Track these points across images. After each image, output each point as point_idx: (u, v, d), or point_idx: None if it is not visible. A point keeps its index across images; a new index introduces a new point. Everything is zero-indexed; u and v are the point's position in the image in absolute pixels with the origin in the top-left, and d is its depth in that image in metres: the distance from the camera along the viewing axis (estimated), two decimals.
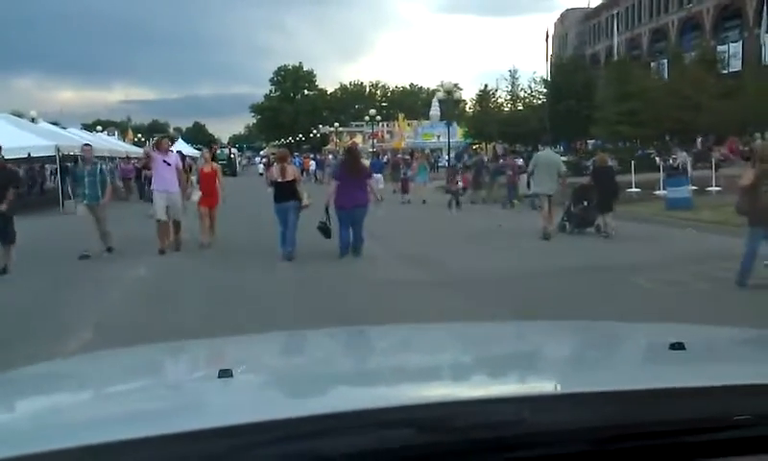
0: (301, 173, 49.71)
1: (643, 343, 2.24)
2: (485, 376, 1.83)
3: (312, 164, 48.98)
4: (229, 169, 56.28)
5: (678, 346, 1.70)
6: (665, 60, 59.23)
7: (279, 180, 12.59)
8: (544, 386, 1.68)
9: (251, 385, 1.79)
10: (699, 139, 33.18)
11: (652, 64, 52.55)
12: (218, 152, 62.08)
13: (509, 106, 49.14)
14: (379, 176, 26.77)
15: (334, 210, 12.37)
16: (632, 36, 74.37)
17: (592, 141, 47.16)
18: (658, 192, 21.65)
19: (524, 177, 21.41)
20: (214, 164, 15.31)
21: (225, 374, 1.61)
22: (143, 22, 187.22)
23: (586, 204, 15.36)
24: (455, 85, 35.58)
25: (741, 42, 56.28)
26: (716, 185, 21.68)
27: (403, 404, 1.40)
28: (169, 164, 13.59)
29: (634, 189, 22.49)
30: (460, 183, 24.75)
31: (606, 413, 1.34)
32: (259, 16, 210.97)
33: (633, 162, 24.99)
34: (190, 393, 1.77)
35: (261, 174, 56.16)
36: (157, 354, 2.44)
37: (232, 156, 63.79)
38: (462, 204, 23.62)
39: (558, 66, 48.29)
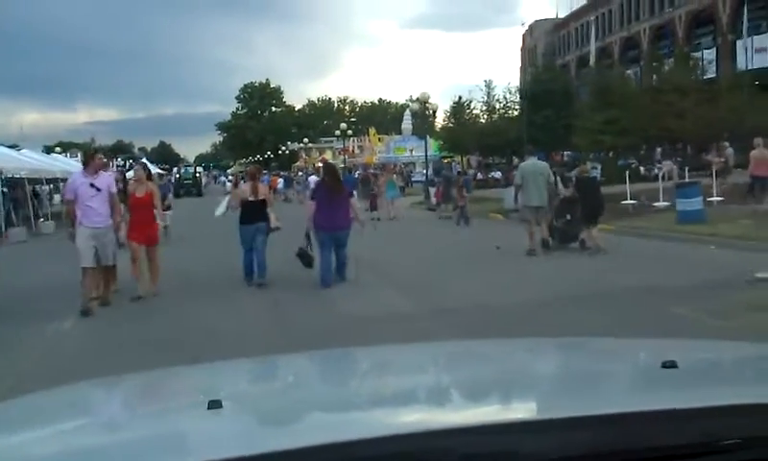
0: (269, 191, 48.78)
1: (635, 361, 2.23)
2: (472, 402, 1.77)
3: (280, 182, 47.08)
4: (195, 189, 54.87)
5: (670, 364, 1.70)
6: (638, 69, 58.62)
7: (251, 198, 11.53)
8: (533, 411, 1.61)
9: (241, 416, 1.75)
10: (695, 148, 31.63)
11: (626, 73, 51.24)
12: (183, 171, 60.53)
13: (485, 117, 47.52)
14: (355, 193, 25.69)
15: (314, 235, 11.36)
16: (603, 45, 73.69)
17: (568, 153, 46.00)
18: (659, 204, 19.99)
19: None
20: (150, 185, 11.53)
21: (214, 405, 1.60)
22: (107, 42, 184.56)
23: (569, 217, 14.44)
24: (428, 98, 33.66)
25: (715, 49, 55.71)
26: (717, 195, 20.11)
27: (402, 433, 1.38)
28: (99, 189, 10.13)
29: (629, 201, 20.81)
30: (434, 199, 23.05)
31: (594, 438, 1.33)
32: (226, 34, 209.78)
33: (627, 172, 23.30)
34: (179, 426, 1.73)
35: (228, 193, 54.60)
36: (146, 383, 2.43)
37: (198, 175, 61.88)
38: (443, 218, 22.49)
39: (535, 76, 46.80)
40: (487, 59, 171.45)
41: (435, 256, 14.62)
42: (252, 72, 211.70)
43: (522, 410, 1.66)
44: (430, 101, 34.19)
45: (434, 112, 35.72)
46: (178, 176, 59.79)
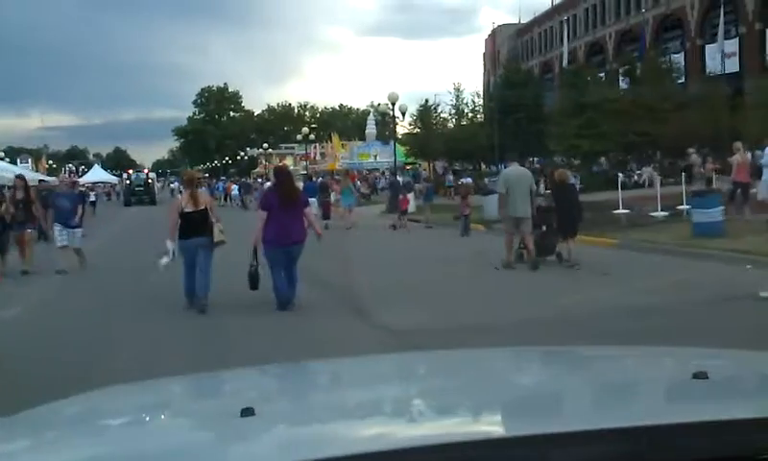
0: (225, 198, 46.14)
1: (665, 372, 2.20)
2: (505, 412, 1.75)
3: (234, 188, 44.71)
4: (148, 196, 51.11)
5: (701, 375, 1.68)
6: (603, 73, 57.58)
7: (189, 209, 10.05)
8: (565, 423, 1.56)
9: (274, 425, 1.75)
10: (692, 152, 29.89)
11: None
12: (134, 177, 56.60)
13: (453, 121, 45.65)
14: (313, 200, 24.98)
15: (263, 251, 9.99)
16: (568, 50, 72.89)
17: (537, 159, 44.49)
18: (657, 214, 18.24)
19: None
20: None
21: (247, 412, 1.59)
22: (62, 47, 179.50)
23: (544, 228, 13.47)
24: (396, 98, 31.61)
25: (683, 53, 54.93)
26: None
27: (436, 444, 1.38)
28: None
29: (622, 211, 19.02)
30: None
31: (627, 450, 1.32)
32: (185, 40, 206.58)
33: (628, 178, 21.49)
34: (212, 433, 1.73)
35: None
36: (180, 389, 2.44)
37: (150, 181, 57.06)
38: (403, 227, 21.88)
39: (505, 78, 45.02)
40: (446, 66, 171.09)
41: (392, 270, 13.28)
42: (210, 78, 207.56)
43: (553, 422, 1.58)
44: (399, 102, 31.92)
45: (403, 114, 33.56)
46: (128, 182, 56.59)
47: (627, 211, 19.36)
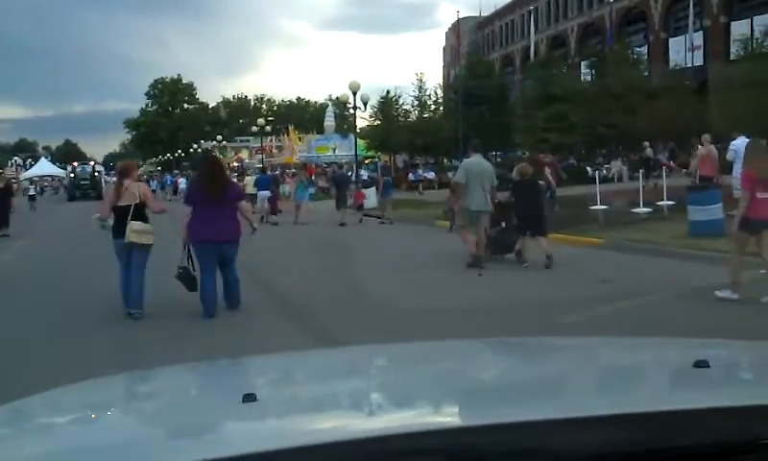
0: (174, 192, 43.83)
1: (666, 360, 2.20)
2: (507, 399, 1.74)
3: (182, 182, 42.64)
4: (94, 191, 46.86)
5: (702, 363, 1.70)
6: (565, 67, 56.73)
7: (121, 203, 8.96)
8: (567, 409, 1.56)
9: (275, 410, 1.76)
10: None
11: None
12: (79, 170, 52.89)
13: (416, 113, 43.94)
14: (266, 192, 24.88)
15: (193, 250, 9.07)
16: (528, 44, 72.08)
17: (499, 152, 43.21)
18: (639, 210, 16.83)
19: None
20: None
21: (248, 398, 1.61)
22: (11, 36, 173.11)
23: (504, 225, 12.85)
24: (358, 87, 29.79)
25: (647, 47, 54.30)
26: (668, 199, 17.19)
27: (431, 429, 1.41)
28: None
29: (600, 207, 17.59)
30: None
31: (629, 436, 1.35)
32: (139, 31, 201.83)
33: (597, 173, 20.13)
34: (214, 419, 1.73)
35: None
36: (181, 376, 2.44)
37: (96, 174, 53.04)
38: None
39: (469, 69, 43.43)
40: (406, 61, 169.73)
41: (343, 270, 12.18)
42: (165, 70, 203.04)
43: (556, 408, 1.57)
44: (361, 92, 30.06)
45: (365, 104, 31.60)
46: (72, 176, 53.12)
47: (605, 207, 17.95)
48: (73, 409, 2.00)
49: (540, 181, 19.11)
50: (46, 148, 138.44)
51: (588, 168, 29.78)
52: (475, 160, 12.69)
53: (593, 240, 13.32)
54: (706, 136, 17.48)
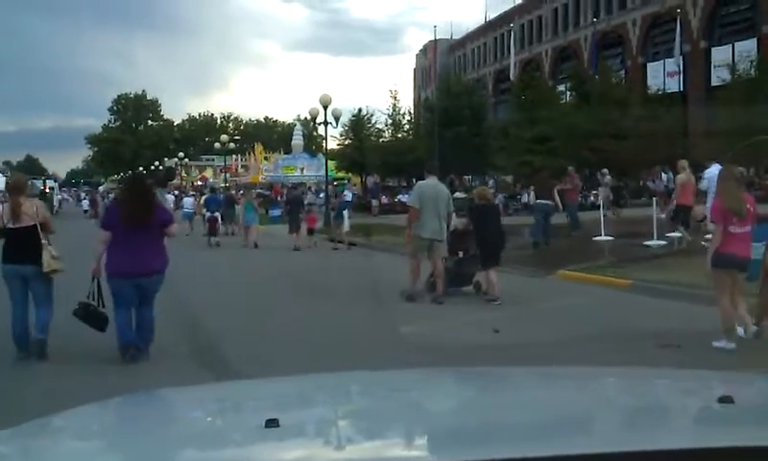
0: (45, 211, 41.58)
1: (689, 395, 2.16)
2: (531, 432, 1.70)
3: None
4: None
5: (726, 399, 1.67)
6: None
7: (11, 225, 7.84)
8: (592, 444, 1.56)
9: (298, 437, 1.74)
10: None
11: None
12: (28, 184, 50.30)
13: (389, 132, 41.95)
14: (217, 215, 24.59)
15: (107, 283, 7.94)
16: (500, 67, 71.25)
17: (468, 176, 41.59)
18: (652, 243, 14.93)
19: None
20: None
21: (272, 423, 1.60)
22: None
23: (461, 254, 11.91)
24: (329, 101, 27.72)
25: (624, 71, 53.19)
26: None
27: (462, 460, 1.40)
28: None
29: (605, 238, 15.68)
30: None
31: None
32: (106, 47, 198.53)
33: (599, 197, 18.24)
34: (236, 444, 1.73)
35: (86, 211, 46.79)
36: (204, 398, 2.42)
37: (48, 191, 48.47)
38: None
39: (443, 90, 41.60)
40: (375, 84, 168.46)
41: (283, 305, 11.25)
42: (131, 86, 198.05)
43: (579, 443, 1.57)
44: (333, 106, 27.90)
45: (337, 119, 29.44)
46: None
47: (609, 239, 16.05)
48: (90, 433, 1.99)
49: (549, 201, 17.80)
50: (6, 163, 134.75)
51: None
52: (430, 183, 11.72)
53: (619, 281, 11.33)
54: (683, 163, 16.44)
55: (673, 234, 15.66)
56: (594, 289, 11.29)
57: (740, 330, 7.65)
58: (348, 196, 31.67)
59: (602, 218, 16.83)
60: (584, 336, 7.87)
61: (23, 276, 7.78)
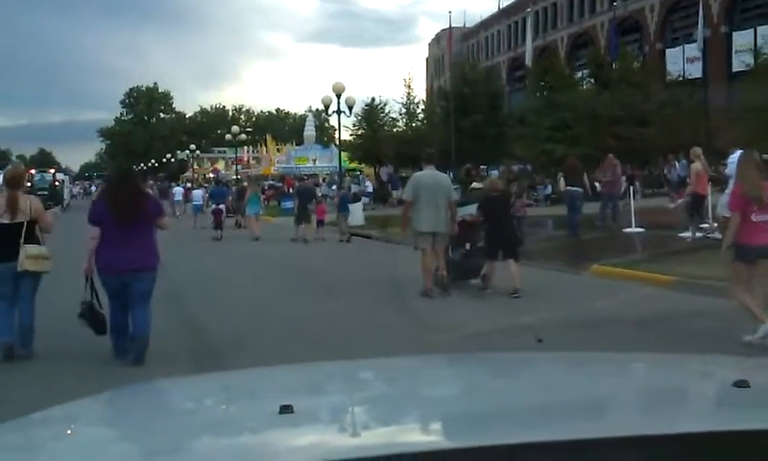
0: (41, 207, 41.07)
1: (705, 379, 2.17)
2: (546, 417, 1.68)
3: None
4: (53, 202, 43.21)
5: (742, 383, 1.67)
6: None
7: (4, 220, 7.57)
8: (609, 428, 1.55)
9: (312, 423, 1.74)
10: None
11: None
12: (37, 178, 46.31)
13: (404, 121, 41.01)
14: (222, 207, 24.33)
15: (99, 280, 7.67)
16: (515, 55, 70.24)
17: (484, 166, 40.68)
18: (685, 234, 14.09)
19: None
20: None
21: (286, 410, 1.60)
22: None
23: (468, 246, 11.63)
24: (343, 89, 26.94)
25: (642, 57, 52.03)
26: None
27: (480, 445, 1.38)
28: None
29: (634, 229, 14.81)
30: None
31: (667, 458, 1.34)
32: (117, 41, 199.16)
33: (632, 186, 17.36)
34: (250, 431, 1.74)
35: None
36: (219, 385, 2.43)
37: (57, 183, 47.45)
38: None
39: (458, 78, 40.56)
40: (386, 74, 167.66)
41: (289, 298, 10.94)
42: (143, 79, 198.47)
43: (596, 427, 1.56)
44: (346, 95, 27.11)
45: (350, 108, 28.77)
46: (29, 185, 48.05)
47: (641, 230, 15.19)
48: (104, 420, 2.02)
49: (578, 188, 17.10)
50: (20, 157, 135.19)
51: (597, 183, 26.80)
52: (427, 173, 11.30)
53: (661, 278, 10.47)
54: (697, 150, 15.44)
55: (704, 225, 14.80)
56: (634, 286, 10.49)
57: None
58: (355, 188, 31.05)
59: (632, 208, 15.92)
60: (638, 341, 7.05)
61: (13, 273, 7.54)
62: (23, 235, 7.51)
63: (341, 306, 10.03)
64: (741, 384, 1.65)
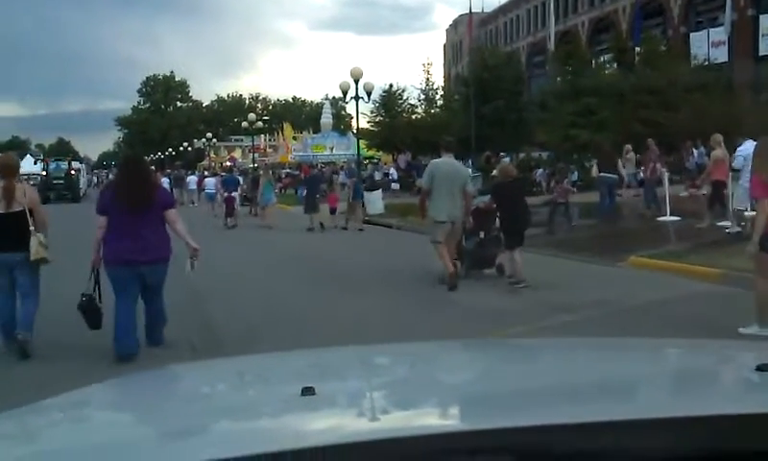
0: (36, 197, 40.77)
1: (728, 363, 2.17)
2: (569, 400, 1.69)
3: (164, 181, 39.22)
4: (69, 192, 41.45)
5: (764, 367, 1.65)
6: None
7: (2, 210, 7.30)
8: (635, 411, 1.54)
9: (333, 405, 1.76)
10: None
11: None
12: (53, 167, 45.94)
13: (422, 107, 40.23)
14: (235, 195, 24.06)
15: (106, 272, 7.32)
16: (534, 40, 69.25)
17: (504, 154, 39.94)
18: (725, 223, 13.31)
19: None
20: None
21: (308, 391, 1.61)
22: (5, 35, 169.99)
23: (482, 235, 11.32)
24: (361, 74, 26.29)
25: (666, 42, 50.96)
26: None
27: (499, 427, 1.37)
28: None
29: (669, 218, 14.08)
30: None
31: (695, 440, 1.33)
32: (134, 30, 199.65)
33: (664, 172, 16.64)
34: (272, 412, 1.75)
35: None
36: (240, 368, 2.46)
37: (73, 172, 45.83)
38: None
39: (479, 62, 39.72)
40: (402, 62, 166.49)
41: (295, 292, 10.44)
42: (160, 68, 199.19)
43: (622, 410, 1.54)
44: (365, 80, 26.50)
45: (369, 93, 28.11)
46: (44, 174, 45.01)
47: (675, 219, 14.46)
48: (123, 403, 2.04)
49: (613, 175, 16.52)
50: (39, 146, 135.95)
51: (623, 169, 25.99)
52: (445, 161, 11.00)
53: (707, 271, 9.77)
54: (718, 137, 14.95)
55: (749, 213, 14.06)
56: (679, 281, 9.74)
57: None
58: (378, 176, 30.49)
59: (667, 196, 15.17)
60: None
61: (10, 265, 7.34)
62: (28, 223, 7.29)
63: (348, 299, 9.72)
64: (764, 368, 1.63)
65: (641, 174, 20.21)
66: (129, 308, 7.19)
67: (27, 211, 7.36)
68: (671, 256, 10.94)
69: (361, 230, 19.86)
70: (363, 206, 21.40)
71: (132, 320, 7.19)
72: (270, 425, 1.62)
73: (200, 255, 7.37)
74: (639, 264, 10.92)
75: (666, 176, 16.23)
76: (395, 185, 34.42)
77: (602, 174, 16.79)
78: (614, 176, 16.60)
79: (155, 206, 7.33)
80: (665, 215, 14.96)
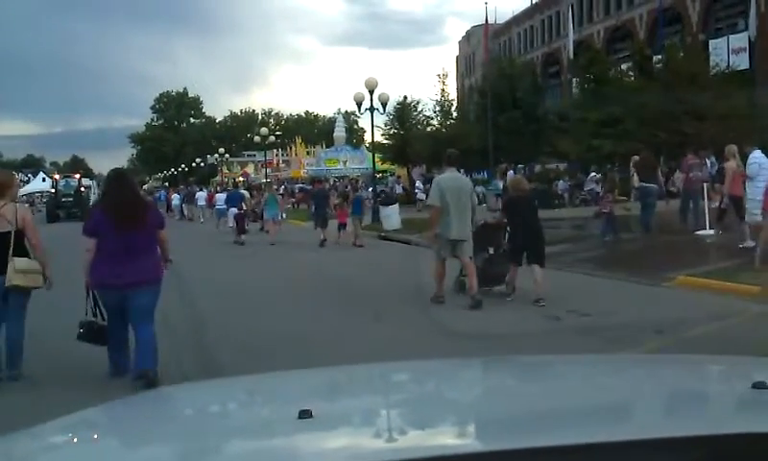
0: (167, 210, 40.23)
1: (724, 381, 2.15)
2: (567, 420, 1.67)
3: (175, 198, 38.70)
4: (78, 209, 38.68)
5: (760, 385, 1.65)
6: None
7: None
8: (629, 431, 1.54)
9: (331, 428, 1.73)
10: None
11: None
12: (62, 184, 44.39)
13: (437, 119, 39.45)
14: (233, 210, 24.11)
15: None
16: (549, 50, 68.50)
17: (521, 166, 39.14)
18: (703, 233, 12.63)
19: None
20: None
21: (305, 414, 1.60)
22: (20, 54, 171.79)
23: (491, 251, 11.09)
24: (376, 84, 25.57)
25: (684, 48, 50.02)
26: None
27: (494, 450, 1.37)
28: None
29: (708, 232, 13.19)
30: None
31: (690, 459, 1.32)
32: (147, 46, 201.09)
33: (710, 185, 15.68)
34: (269, 435, 1.73)
35: None
36: (238, 389, 2.43)
37: (83, 190, 44.42)
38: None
39: (496, 73, 38.90)
40: (414, 76, 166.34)
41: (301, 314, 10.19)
42: (173, 85, 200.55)
43: (616, 431, 1.54)
44: (379, 90, 25.86)
45: (384, 105, 27.44)
46: (53, 191, 44.47)
47: (711, 232, 13.57)
48: (124, 425, 1.99)
49: (653, 185, 15.65)
50: (54, 164, 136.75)
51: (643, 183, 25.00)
52: (450, 176, 10.70)
53: (748, 288, 8.85)
54: (732, 148, 14.17)
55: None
56: (738, 303, 8.76)
57: None
58: (398, 189, 29.71)
59: (706, 208, 14.24)
60: None
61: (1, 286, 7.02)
62: (11, 246, 6.94)
63: (352, 318, 9.51)
64: (760, 386, 1.62)
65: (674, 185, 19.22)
66: (119, 330, 7.06)
67: (13, 233, 6.99)
68: (720, 275, 10.00)
69: (360, 245, 19.58)
70: (360, 221, 21.17)
71: (123, 340, 7.08)
72: (265, 450, 1.60)
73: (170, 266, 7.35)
74: (688, 284, 9.97)
75: (706, 188, 15.22)
76: (420, 196, 33.43)
77: (642, 184, 15.91)
78: (655, 186, 15.82)
79: (144, 226, 7.05)
80: (704, 228, 14.04)
